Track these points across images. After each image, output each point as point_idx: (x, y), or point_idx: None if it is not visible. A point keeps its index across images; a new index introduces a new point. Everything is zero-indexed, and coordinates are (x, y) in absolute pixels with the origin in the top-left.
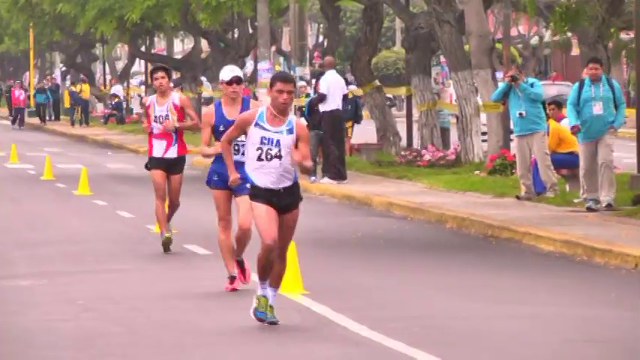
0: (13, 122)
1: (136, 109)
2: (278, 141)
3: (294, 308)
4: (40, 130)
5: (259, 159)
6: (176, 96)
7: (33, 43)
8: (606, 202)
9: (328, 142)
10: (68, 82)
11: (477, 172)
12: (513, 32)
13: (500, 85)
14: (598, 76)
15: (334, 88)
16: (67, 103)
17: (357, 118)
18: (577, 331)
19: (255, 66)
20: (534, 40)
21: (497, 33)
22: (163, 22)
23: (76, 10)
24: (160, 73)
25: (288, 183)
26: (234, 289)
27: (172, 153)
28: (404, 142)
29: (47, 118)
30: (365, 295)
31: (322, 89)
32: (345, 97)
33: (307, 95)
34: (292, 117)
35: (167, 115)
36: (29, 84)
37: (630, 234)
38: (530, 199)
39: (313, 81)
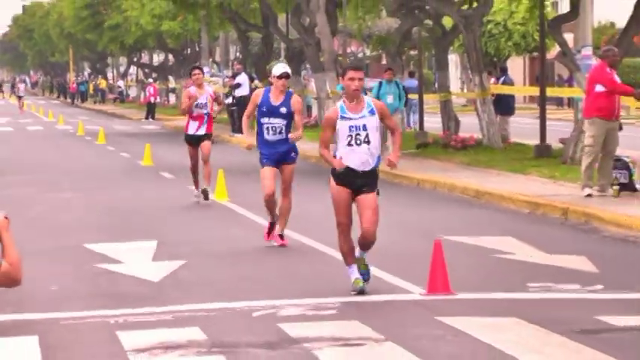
0: (72, 103)
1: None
2: (364, 125)
3: (234, 220)
4: (76, 106)
5: (349, 144)
6: (210, 89)
7: (72, 57)
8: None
9: (240, 114)
10: (92, 79)
11: None
12: (348, 50)
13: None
14: (391, 79)
15: (244, 82)
16: (91, 91)
17: None
18: (402, 224)
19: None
20: (360, 54)
21: (339, 50)
22: (147, 44)
23: (97, 37)
24: (197, 71)
25: (369, 167)
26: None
27: (202, 131)
28: None
29: (84, 99)
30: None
31: (237, 80)
32: (251, 88)
33: (231, 86)
34: (368, 98)
35: (206, 103)
36: (69, 79)
37: (414, 165)
38: None
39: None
